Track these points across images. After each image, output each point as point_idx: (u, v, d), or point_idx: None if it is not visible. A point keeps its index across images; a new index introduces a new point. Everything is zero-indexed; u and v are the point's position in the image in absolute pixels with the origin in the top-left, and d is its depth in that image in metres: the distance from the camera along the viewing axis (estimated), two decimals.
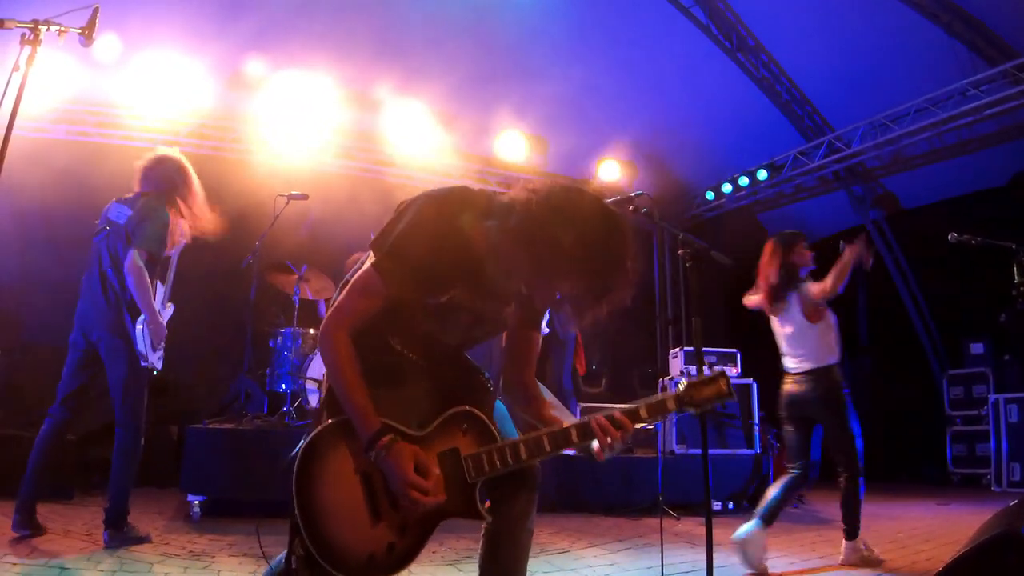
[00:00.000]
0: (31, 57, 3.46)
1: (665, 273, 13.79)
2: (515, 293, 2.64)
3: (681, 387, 2.66)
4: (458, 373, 2.91)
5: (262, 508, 6.41)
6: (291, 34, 9.39)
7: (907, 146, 10.77)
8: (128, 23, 8.46)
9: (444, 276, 2.59)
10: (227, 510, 6.63)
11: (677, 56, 10.45)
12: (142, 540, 5.29)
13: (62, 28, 3.58)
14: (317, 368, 8.43)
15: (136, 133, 10.10)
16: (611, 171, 11.99)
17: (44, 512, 6.07)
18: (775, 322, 6.17)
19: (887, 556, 5.72)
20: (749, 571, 5.32)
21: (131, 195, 5.64)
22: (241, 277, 8.71)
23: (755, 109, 11.15)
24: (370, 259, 2.65)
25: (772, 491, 5.69)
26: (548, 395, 2.93)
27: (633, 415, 2.61)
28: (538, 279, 2.47)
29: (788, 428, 5.95)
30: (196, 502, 6.60)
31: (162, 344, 5.72)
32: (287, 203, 8.33)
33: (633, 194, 4.24)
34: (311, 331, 8.92)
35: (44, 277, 8.46)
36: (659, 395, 2.67)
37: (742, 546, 5.37)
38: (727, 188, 12.45)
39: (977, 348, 11.99)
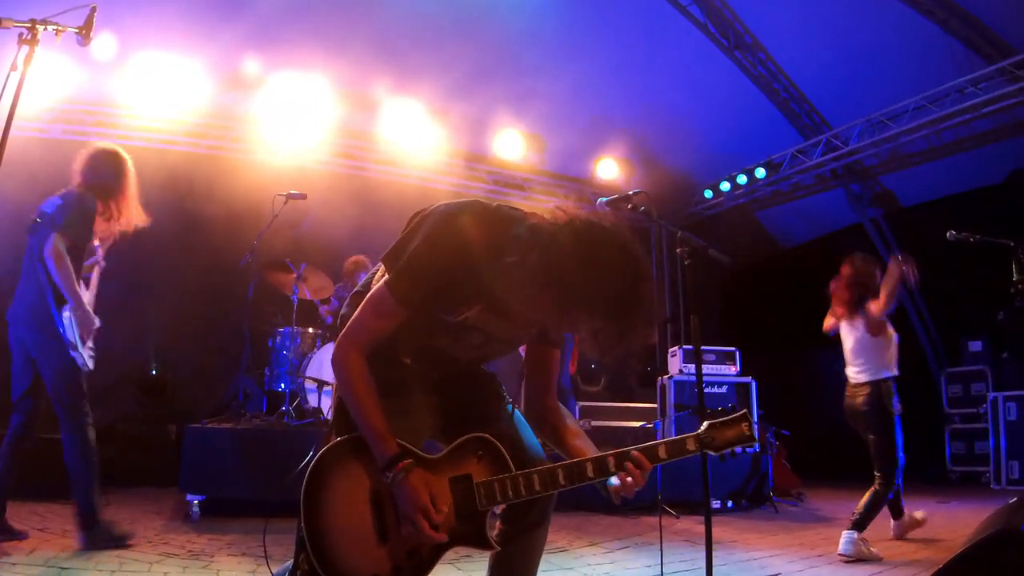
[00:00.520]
0: (28, 56, 3.45)
1: (663, 271, 13.78)
2: (532, 319, 2.58)
3: (703, 428, 2.64)
4: (470, 384, 2.89)
5: (261, 507, 6.44)
6: (288, 34, 9.38)
7: (905, 144, 10.79)
8: (125, 23, 8.46)
9: (458, 296, 2.55)
10: (226, 509, 6.62)
11: (675, 54, 10.45)
12: (118, 540, 5.16)
13: (59, 28, 3.56)
14: (315, 367, 8.44)
15: (134, 133, 10.09)
16: (609, 169, 12.01)
17: (43, 512, 6.09)
18: (843, 336, 6.68)
19: (885, 553, 5.73)
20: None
21: (65, 189, 5.43)
22: (239, 276, 8.70)
23: (753, 107, 11.15)
24: (383, 275, 2.61)
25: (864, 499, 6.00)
26: (572, 420, 2.89)
27: (652, 455, 2.58)
28: (559, 318, 2.40)
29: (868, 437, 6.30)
30: (195, 501, 6.59)
31: (91, 340, 5.37)
32: (285, 202, 8.32)
33: (631, 192, 4.22)
34: (309, 330, 8.94)
35: None
36: (679, 436, 2.64)
37: (856, 556, 5.63)
38: (725, 186, 12.45)
39: (975, 346, 12.00)
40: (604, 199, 4.27)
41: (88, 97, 9.79)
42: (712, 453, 2.67)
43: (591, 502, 7.89)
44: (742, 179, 12.13)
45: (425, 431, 2.68)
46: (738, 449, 2.65)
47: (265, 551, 3.21)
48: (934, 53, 9.30)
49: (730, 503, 8.57)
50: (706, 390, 8.46)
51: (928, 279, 6.99)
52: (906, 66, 9.70)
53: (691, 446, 2.62)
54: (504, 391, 2.91)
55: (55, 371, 5.11)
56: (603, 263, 2.27)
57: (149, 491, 7.85)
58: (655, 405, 9.60)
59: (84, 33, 3.71)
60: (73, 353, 5.12)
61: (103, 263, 5.72)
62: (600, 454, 2.59)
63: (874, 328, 6.38)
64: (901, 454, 6.11)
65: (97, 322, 5.37)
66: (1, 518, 5.08)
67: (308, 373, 8.40)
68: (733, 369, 9.67)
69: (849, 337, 6.60)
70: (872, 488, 6.01)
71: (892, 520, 6.41)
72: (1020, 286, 5.72)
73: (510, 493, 2.54)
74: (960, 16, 8.88)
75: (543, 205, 2.53)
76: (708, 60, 10.39)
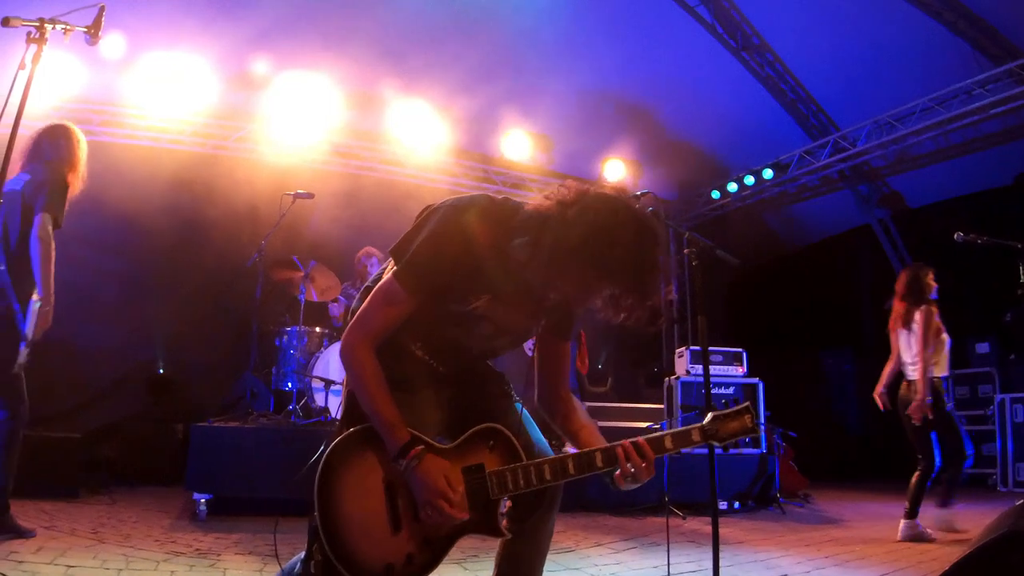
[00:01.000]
0: (37, 55, 3.46)
1: (670, 272, 13.78)
2: (544, 305, 2.60)
3: (707, 420, 2.68)
4: (478, 381, 2.92)
5: (268, 506, 6.45)
6: (296, 33, 9.39)
7: (912, 145, 10.77)
8: (133, 22, 8.48)
9: (467, 287, 2.57)
10: (233, 508, 6.62)
11: (682, 55, 10.43)
12: (22, 533, 4.99)
13: (68, 27, 3.58)
14: (323, 367, 8.44)
15: (141, 132, 10.14)
16: (616, 170, 11.99)
17: (50, 511, 6.10)
18: (901, 338, 7.15)
19: (893, 556, 5.73)
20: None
21: (30, 166, 5.25)
22: (247, 275, 8.73)
23: (760, 108, 11.13)
24: (391, 268, 2.64)
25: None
26: (583, 413, 2.92)
27: (658, 445, 2.61)
28: (580, 290, 2.43)
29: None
30: (202, 500, 6.59)
31: (30, 342, 4.89)
32: (293, 202, 8.34)
33: (638, 193, 4.23)
34: (317, 329, 8.94)
35: None
36: (684, 427, 2.69)
37: (916, 540, 6.37)
38: (732, 187, 12.42)
39: (982, 348, 11.96)
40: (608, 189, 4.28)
41: (96, 96, 9.80)
42: (716, 444, 2.72)
43: (598, 503, 7.88)
44: (750, 180, 12.10)
45: (431, 425, 2.69)
46: (744, 450, 2.68)
47: (276, 549, 3.21)
48: (942, 54, 9.28)
49: (736, 504, 8.55)
50: (713, 391, 8.44)
51: (936, 281, 7.11)
52: (914, 67, 9.68)
53: (696, 437, 2.68)
54: (511, 390, 2.93)
55: (3, 357, 4.85)
56: (621, 230, 2.33)
57: (156, 490, 7.88)
58: (662, 406, 9.58)
59: (92, 32, 3.72)
60: (23, 345, 4.82)
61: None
62: (608, 445, 2.62)
63: (930, 331, 6.85)
64: (969, 445, 6.73)
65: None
66: (6, 515, 5.04)
67: (315, 372, 8.40)
68: (740, 370, 9.65)
69: (905, 339, 7.07)
70: (913, 478, 6.64)
71: (903, 519, 6.59)
72: None
73: (522, 482, 2.57)
74: (968, 17, 8.85)
75: (545, 193, 2.56)
76: (716, 61, 10.37)
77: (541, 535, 2.85)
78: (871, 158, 11.34)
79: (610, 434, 2.66)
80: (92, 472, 7.68)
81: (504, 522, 2.64)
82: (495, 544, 2.83)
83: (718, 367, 9.50)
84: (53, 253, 4.97)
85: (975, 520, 7.29)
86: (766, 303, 13.72)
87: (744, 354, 9.79)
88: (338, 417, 3.07)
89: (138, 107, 9.98)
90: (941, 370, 6.87)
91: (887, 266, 12.54)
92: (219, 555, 5.08)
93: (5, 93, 3.58)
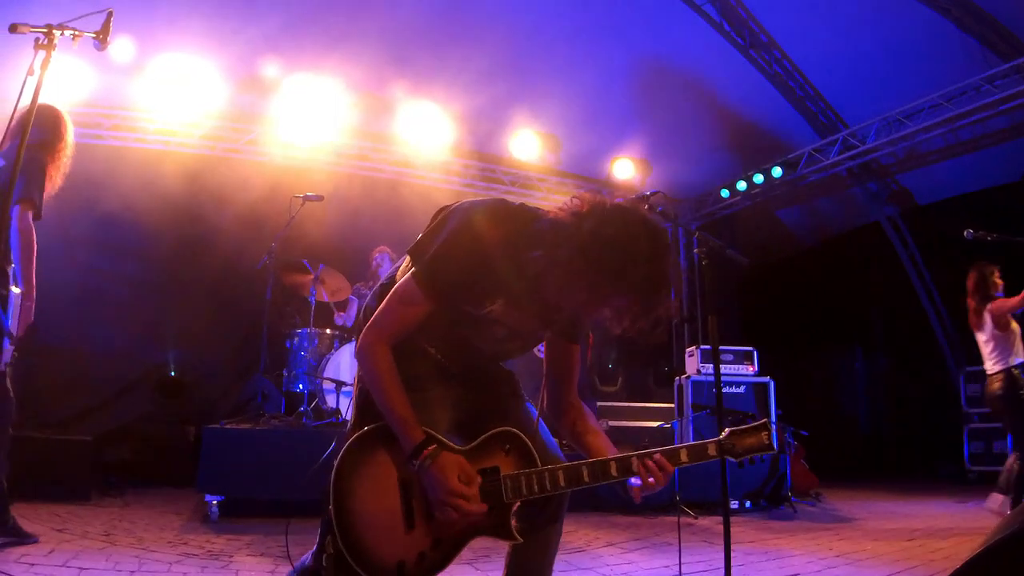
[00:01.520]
0: (46, 61, 3.46)
1: (680, 271, 13.75)
2: (556, 312, 2.61)
3: (724, 435, 2.67)
4: (489, 381, 2.93)
5: (280, 508, 6.46)
6: (304, 36, 9.40)
7: (921, 142, 10.74)
8: (142, 26, 8.50)
9: (483, 290, 2.59)
10: (245, 510, 6.64)
11: (690, 53, 10.41)
12: (23, 537, 4.93)
13: (76, 32, 3.58)
14: (333, 368, 8.47)
15: (151, 136, 10.16)
16: (625, 169, 11.96)
17: (62, 513, 6.13)
18: (977, 334, 7.57)
19: (905, 554, 5.71)
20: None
21: (7, 148, 4.70)
22: (257, 278, 8.75)
23: (769, 106, 11.10)
24: (408, 268, 2.66)
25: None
26: (591, 418, 2.93)
27: (674, 457, 2.61)
28: (592, 303, 2.43)
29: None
30: (214, 502, 6.61)
31: (13, 340, 4.70)
32: (302, 204, 8.36)
33: (648, 192, 4.24)
34: (327, 331, 8.96)
35: (60, 280, 8.49)
36: (701, 441, 2.68)
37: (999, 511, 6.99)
38: (742, 185, 12.37)
39: None
40: (621, 200, 4.29)
41: (105, 100, 9.83)
42: (732, 460, 2.71)
43: (609, 502, 7.88)
44: (759, 178, 12.05)
45: (442, 425, 2.70)
46: (756, 457, 2.67)
47: (288, 550, 3.22)
48: (950, 51, 9.23)
49: (748, 503, 8.54)
50: (724, 390, 8.41)
51: (945, 277, 7.17)
52: (922, 64, 9.64)
53: (712, 451, 2.66)
54: (522, 390, 2.94)
55: None
56: (635, 245, 2.33)
57: (168, 491, 7.91)
58: (672, 405, 9.57)
59: (101, 38, 3.71)
60: (7, 344, 4.64)
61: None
62: (623, 455, 2.63)
63: (1001, 324, 7.24)
64: None
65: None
66: (6, 516, 4.91)
67: (326, 374, 8.42)
68: (751, 369, 9.63)
69: (983, 336, 7.45)
70: (1015, 468, 6.94)
71: (1002, 495, 7.18)
72: None
73: (536, 487, 2.59)
74: (975, 14, 8.81)
75: (560, 205, 2.56)
76: (723, 59, 10.35)
77: (550, 538, 2.86)
78: (880, 155, 11.29)
79: (621, 433, 2.67)
80: (104, 474, 7.72)
81: (514, 523, 2.65)
82: (506, 545, 2.83)
83: (729, 366, 9.49)
84: (34, 243, 4.84)
85: (986, 519, 7.29)
86: (776, 301, 13.70)
87: (755, 353, 9.75)
88: (348, 418, 3.08)
89: (148, 111, 10.00)
90: (1021, 356, 7.22)
91: (897, 264, 12.52)
92: (231, 557, 5.09)
93: (14, 99, 3.59)
